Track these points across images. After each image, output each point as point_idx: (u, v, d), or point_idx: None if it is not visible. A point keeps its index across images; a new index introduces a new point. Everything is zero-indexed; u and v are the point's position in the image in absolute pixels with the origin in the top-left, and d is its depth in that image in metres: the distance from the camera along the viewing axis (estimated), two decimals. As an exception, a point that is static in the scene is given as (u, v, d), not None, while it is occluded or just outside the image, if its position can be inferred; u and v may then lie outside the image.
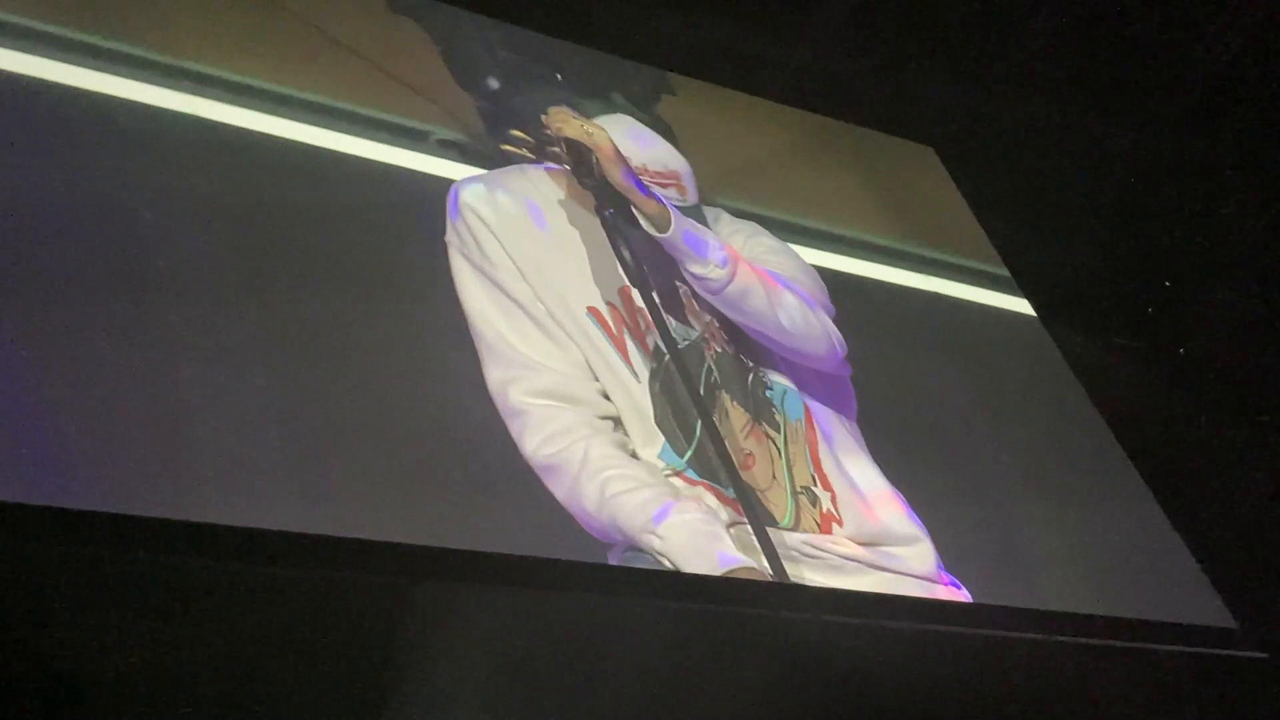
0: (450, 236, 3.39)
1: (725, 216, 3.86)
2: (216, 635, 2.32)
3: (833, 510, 3.38)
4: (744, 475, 3.26)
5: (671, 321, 3.39)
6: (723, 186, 4.24)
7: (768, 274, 3.53)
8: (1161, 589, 4.01)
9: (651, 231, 3.32)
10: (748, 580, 3.06)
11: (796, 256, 3.92)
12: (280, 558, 2.51)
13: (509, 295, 3.28)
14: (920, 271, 4.75)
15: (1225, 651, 3.81)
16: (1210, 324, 5.36)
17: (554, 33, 4.36)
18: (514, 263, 3.33)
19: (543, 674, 2.66)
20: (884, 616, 3.22)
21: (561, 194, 3.55)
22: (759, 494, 3.28)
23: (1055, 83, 5.58)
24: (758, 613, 3.01)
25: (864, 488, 3.49)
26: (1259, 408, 4.91)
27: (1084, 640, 3.54)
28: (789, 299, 3.52)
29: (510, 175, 3.61)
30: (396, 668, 2.50)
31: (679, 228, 3.33)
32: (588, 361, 3.26)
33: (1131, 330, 5.25)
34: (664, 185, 3.68)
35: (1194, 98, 5.64)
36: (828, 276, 3.98)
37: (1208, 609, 3.95)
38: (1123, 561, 4.02)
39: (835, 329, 3.68)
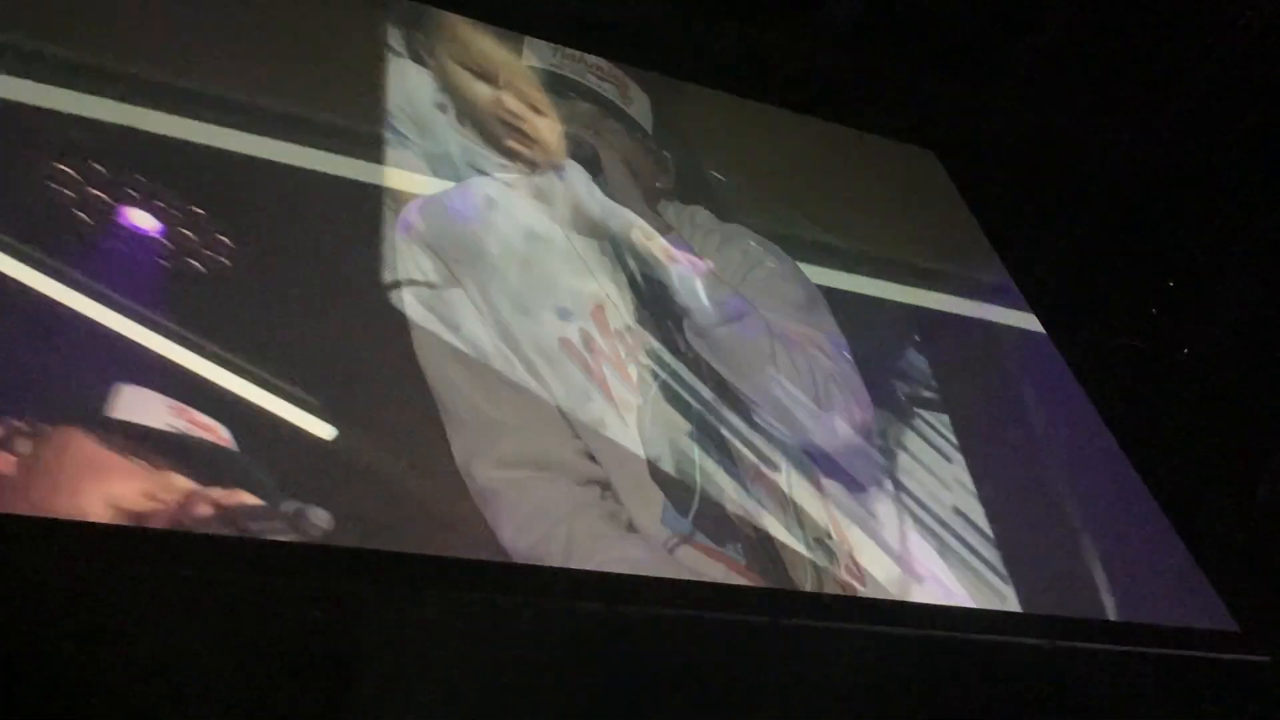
0: (399, 273, 3.11)
1: (704, 214, 3.68)
2: (193, 641, 2.28)
3: (853, 565, 3.14)
4: (758, 531, 3.03)
5: (662, 346, 3.22)
6: (723, 191, 4.23)
7: (782, 333, 3.28)
8: (1164, 593, 3.94)
9: (639, 240, 3.20)
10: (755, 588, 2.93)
11: (798, 280, 3.71)
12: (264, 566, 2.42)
13: (467, 341, 2.98)
14: (920, 278, 4.69)
15: (1228, 655, 3.73)
16: (1214, 324, 5.36)
17: (552, 38, 4.30)
18: (470, 298, 3.06)
19: (539, 683, 2.62)
20: (882, 622, 3.14)
21: (527, 207, 3.40)
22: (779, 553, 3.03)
23: (1057, 85, 5.57)
24: (760, 620, 2.93)
25: (882, 529, 3.29)
26: (1263, 408, 4.90)
27: (1086, 645, 3.48)
28: (803, 362, 3.27)
29: (464, 192, 3.39)
30: (372, 673, 2.44)
31: (677, 246, 3.20)
32: (563, 413, 2.97)
33: (1135, 331, 5.18)
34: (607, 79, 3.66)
35: (1196, 99, 5.64)
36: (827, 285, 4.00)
37: (1211, 613, 3.88)
38: (1125, 565, 3.92)
39: (863, 396, 3.46)
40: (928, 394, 4.10)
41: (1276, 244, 5.36)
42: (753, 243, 3.69)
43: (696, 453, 3.09)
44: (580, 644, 2.68)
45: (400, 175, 3.43)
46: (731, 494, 3.07)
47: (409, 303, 3.05)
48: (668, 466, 3.03)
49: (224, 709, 2.27)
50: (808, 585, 3.04)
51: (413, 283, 3.09)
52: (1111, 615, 3.69)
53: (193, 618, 2.28)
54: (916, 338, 4.37)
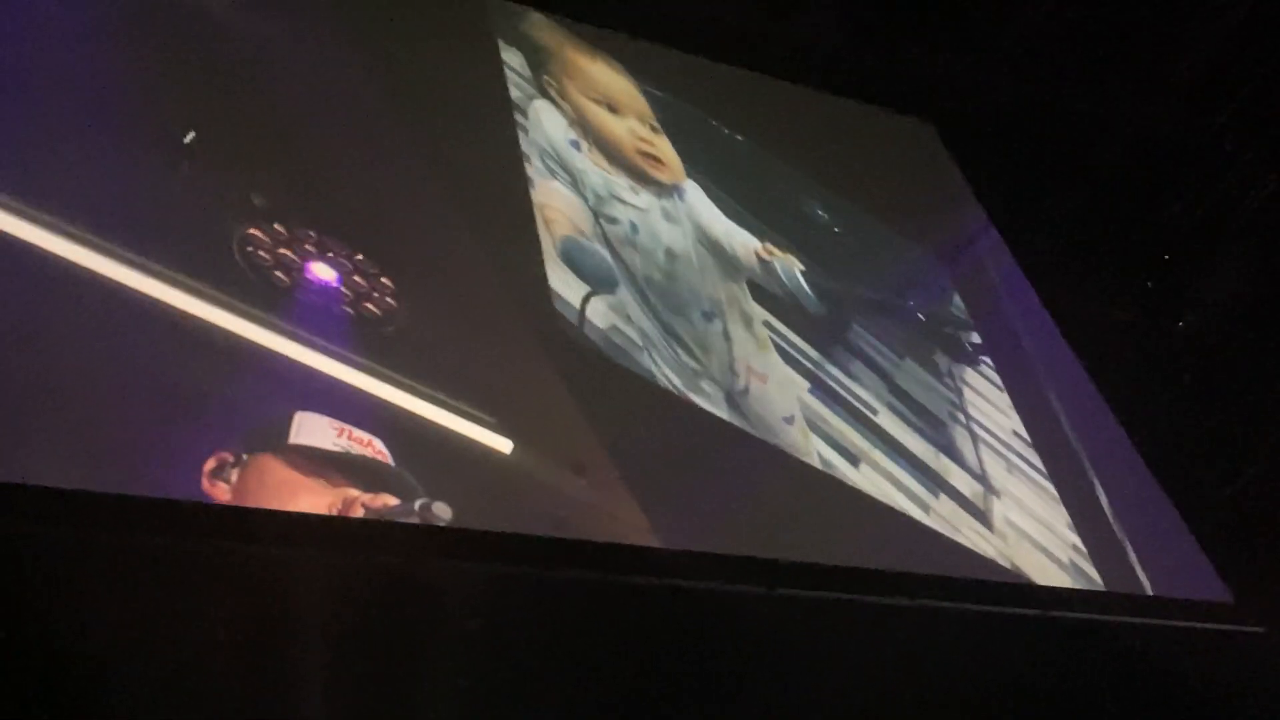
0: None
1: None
2: (206, 615, 2.38)
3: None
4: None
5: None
6: (721, 162, 4.58)
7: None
8: (1159, 564, 4.09)
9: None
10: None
11: None
12: (278, 538, 2.61)
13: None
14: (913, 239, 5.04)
15: (1222, 626, 3.90)
16: (1209, 297, 5.56)
17: (548, 9, 4.61)
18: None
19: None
20: (879, 592, 3.31)
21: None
22: None
23: (1055, 58, 5.73)
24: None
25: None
26: (1257, 381, 5.11)
27: (1081, 615, 3.65)
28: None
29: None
30: (395, 647, 2.56)
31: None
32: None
33: (1130, 304, 5.46)
34: None
35: (1194, 72, 5.79)
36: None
37: (1205, 584, 4.06)
38: (1120, 537, 4.12)
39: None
40: (965, 334, 4.66)
41: (1272, 217, 5.46)
42: None
43: (815, 404, 3.85)
44: (585, 616, 2.84)
45: (558, 203, 3.94)
46: (845, 432, 3.81)
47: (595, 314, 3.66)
48: (794, 415, 3.77)
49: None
50: (916, 511, 3.73)
51: (596, 295, 3.70)
52: (1106, 586, 3.88)
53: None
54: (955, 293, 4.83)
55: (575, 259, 3.76)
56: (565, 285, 3.67)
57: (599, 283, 3.75)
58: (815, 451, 3.74)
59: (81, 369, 2.66)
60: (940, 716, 3.17)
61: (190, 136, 3.27)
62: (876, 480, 3.77)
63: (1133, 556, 4.08)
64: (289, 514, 2.66)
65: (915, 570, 3.46)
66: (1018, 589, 3.68)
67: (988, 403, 4.38)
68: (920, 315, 4.61)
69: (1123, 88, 5.83)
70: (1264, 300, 5.37)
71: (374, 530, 2.73)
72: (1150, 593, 3.96)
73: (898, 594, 3.32)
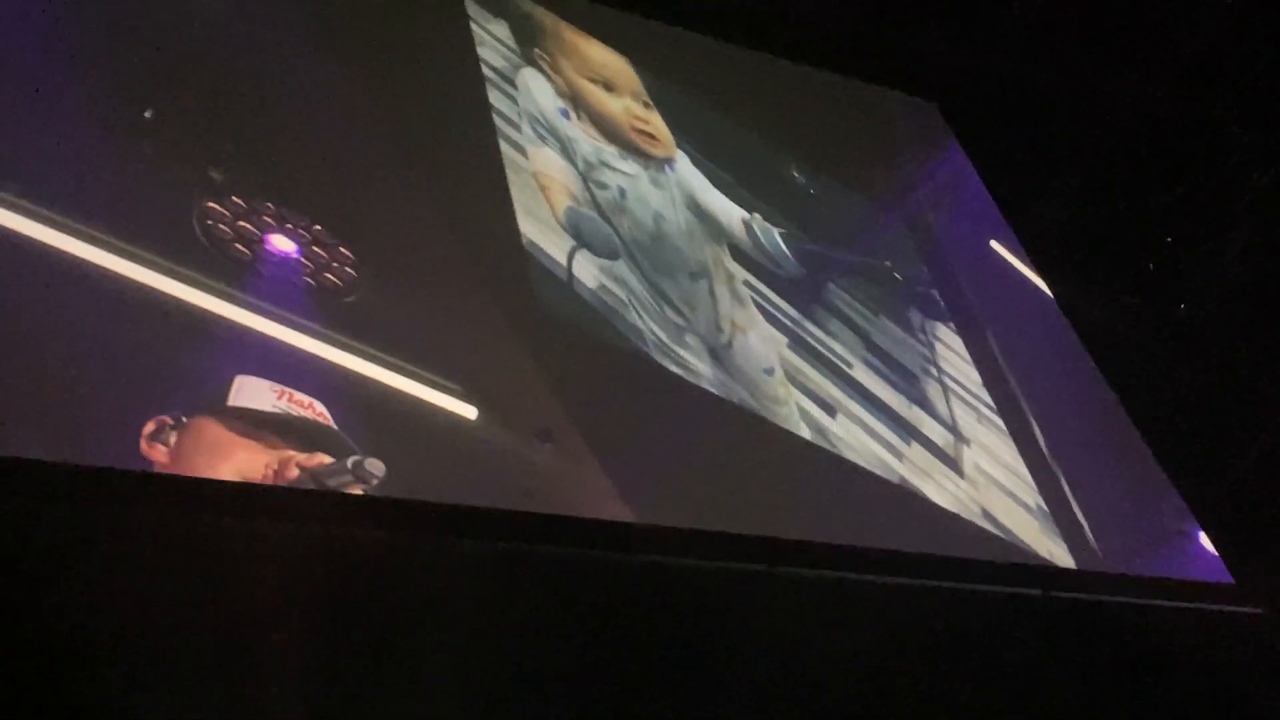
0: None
1: None
2: (206, 591, 2.40)
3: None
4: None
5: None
6: (724, 141, 4.66)
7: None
8: (1160, 545, 4.19)
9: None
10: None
11: None
12: (276, 513, 2.65)
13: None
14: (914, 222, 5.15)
15: (1222, 607, 3.92)
16: (1211, 280, 5.55)
17: None
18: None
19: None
20: (874, 571, 3.33)
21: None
22: None
23: (1058, 39, 5.76)
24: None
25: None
26: (1258, 364, 5.11)
27: (1082, 596, 3.69)
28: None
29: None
30: (392, 623, 2.58)
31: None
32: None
33: (1132, 286, 5.45)
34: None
35: (1197, 55, 5.80)
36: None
37: (1206, 565, 4.12)
38: (1121, 518, 4.20)
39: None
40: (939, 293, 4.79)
41: (1273, 200, 5.51)
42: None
43: (794, 358, 4.00)
44: (559, 593, 2.85)
45: (552, 170, 4.04)
46: (824, 385, 3.97)
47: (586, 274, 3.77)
48: (775, 367, 3.92)
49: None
50: (891, 460, 3.86)
51: (590, 252, 3.84)
52: (1107, 567, 3.96)
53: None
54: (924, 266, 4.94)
55: (582, 229, 3.90)
56: (553, 245, 3.78)
57: (604, 252, 3.90)
58: (794, 402, 3.87)
59: (58, 346, 2.72)
60: (939, 696, 3.17)
61: (149, 113, 3.29)
62: (852, 429, 3.90)
63: (1134, 537, 4.19)
64: (234, 484, 2.70)
65: (902, 542, 3.51)
66: (1018, 568, 3.74)
67: (959, 357, 4.52)
68: (896, 275, 4.75)
69: (1125, 70, 5.84)
70: (1266, 283, 5.39)
71: (328, 502, 2.76)
72: (1151, 574, 4.00)
73: (895, 573, 3.34)
